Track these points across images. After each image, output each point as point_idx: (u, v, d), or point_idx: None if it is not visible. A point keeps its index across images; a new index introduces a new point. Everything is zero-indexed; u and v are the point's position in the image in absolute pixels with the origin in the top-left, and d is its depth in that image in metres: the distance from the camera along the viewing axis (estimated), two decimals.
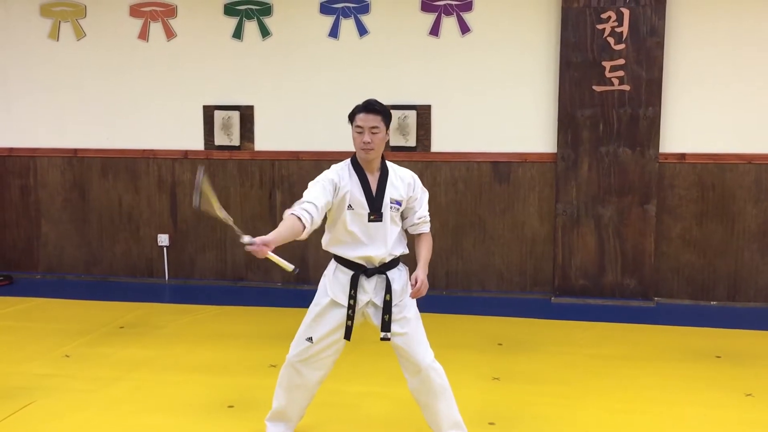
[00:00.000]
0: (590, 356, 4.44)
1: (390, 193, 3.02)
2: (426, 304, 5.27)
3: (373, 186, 3.02)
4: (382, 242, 3.01)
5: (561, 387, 3.95)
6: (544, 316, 5.27)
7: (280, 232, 2.71)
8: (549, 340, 4.75)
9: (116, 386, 3.97)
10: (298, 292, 5.91)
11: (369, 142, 2.96)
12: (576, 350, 4.55)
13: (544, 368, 4.24)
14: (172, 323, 5.12)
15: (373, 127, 2.96)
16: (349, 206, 2.98)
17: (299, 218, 2.77)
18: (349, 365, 3.94)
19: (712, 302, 5.62)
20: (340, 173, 3.01)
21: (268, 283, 6.18)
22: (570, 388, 3.94)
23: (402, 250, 3.10)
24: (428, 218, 3.15)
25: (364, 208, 2.99)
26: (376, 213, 2.99)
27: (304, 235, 2.80)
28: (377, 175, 3.04)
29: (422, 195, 3.14)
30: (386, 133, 3.02)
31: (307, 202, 2.83)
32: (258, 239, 2.64)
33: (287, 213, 2.80)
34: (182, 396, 3.83)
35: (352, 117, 3.02)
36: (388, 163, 3.10)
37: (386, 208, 3.01)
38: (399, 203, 3.05)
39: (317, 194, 2.88)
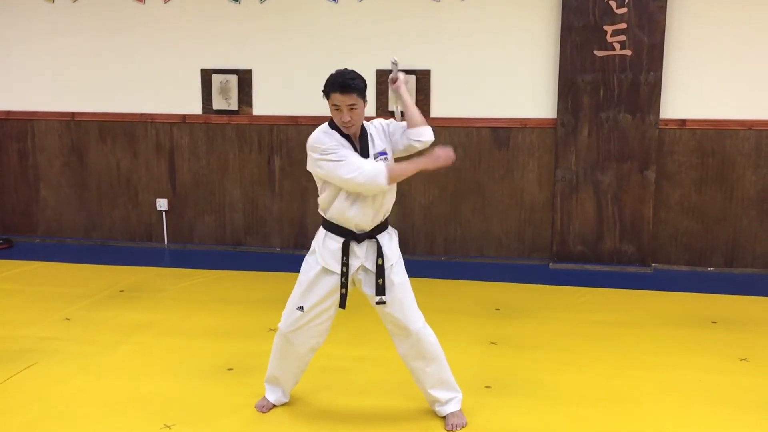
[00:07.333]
0: (587, 321, 4.47)
1: (373, 149, 2.98)
2: (424, 270, 5.33)
3: (358, 146, 2.99)
4: (373, 201, 2.96)
5: (558, 352, 3.99)
6: (542, 282, 5.29)
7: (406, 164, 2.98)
8: (546, 305, 4.78)
9: (117, 349, 4.00)
10: (296, 257, 5.89)
11: (349, 120, 2.90)
12: (573, 315, 4.58)
13: (541, 333, 4.27)
14: (171, 287, 5.15)
15: (351, 105, 2.88)
16: None
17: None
18: (347, 330, 3.96)
19: (709, 268, 5.64)
20: (334, 137, 2.95)
21: (267, 248, 6.19)
22: (567, 352, 3.97)
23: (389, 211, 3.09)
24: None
25: None
26: None
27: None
28: (358, 135, 3.00)
29: (396, 124, 3.09)
30: (364, 102, 2.94)
31: (370, 161, 2.93)
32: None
33: (380, 168, 2.87)
34: (182, 359, 3.86)
35: (326, 93, 2.92)
36: (365, 122, 3.04)
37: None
38: (385, 153, 3.00)
39: (355, 155, 2.92)
